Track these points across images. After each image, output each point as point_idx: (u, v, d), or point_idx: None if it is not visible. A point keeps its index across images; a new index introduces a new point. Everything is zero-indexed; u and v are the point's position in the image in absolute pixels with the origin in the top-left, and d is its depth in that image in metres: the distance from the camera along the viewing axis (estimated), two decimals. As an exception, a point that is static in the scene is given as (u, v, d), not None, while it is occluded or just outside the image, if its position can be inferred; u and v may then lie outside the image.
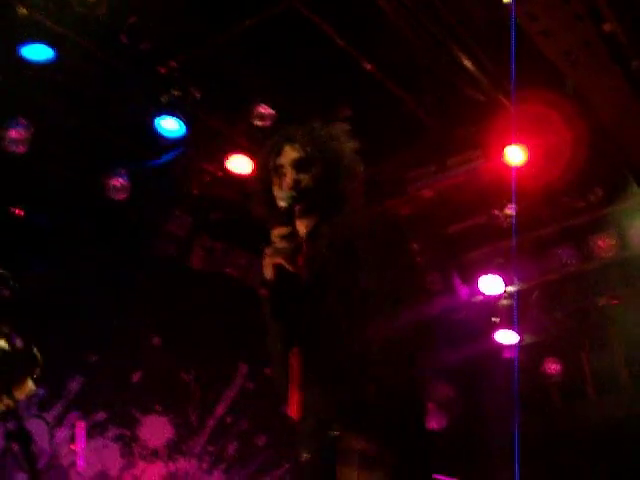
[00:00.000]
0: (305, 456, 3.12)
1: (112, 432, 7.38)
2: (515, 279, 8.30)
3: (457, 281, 8.52)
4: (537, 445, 8.33)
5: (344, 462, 2.99)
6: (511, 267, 8.21)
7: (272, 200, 3.30)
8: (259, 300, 3.20)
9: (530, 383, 8.51)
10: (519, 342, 8.36)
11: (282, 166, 3.33)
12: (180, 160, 7.09)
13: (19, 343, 4.16)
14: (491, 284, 8.24)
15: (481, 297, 8.45)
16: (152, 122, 6.65)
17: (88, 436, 6.99)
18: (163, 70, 6.44)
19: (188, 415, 7.92)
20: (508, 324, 8.34)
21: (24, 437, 3.76)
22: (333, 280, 3.10)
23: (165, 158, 7.05)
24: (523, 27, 4.71)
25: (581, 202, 7.71)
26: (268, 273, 3.13)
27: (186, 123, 6.65)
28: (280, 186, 3.29)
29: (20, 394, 4.06)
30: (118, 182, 6.89)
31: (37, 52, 5.93)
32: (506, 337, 8.44)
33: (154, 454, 7.63)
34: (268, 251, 3.13)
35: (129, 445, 7.49)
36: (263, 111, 6.69)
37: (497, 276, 8.21)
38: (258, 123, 6.69)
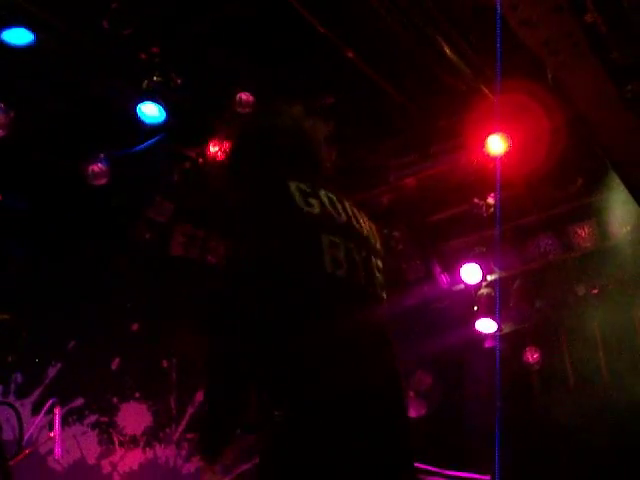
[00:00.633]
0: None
1: (90, 419, 7.38)
2: (496, 268, 8.33)
3: (438, 270, 8.53)
4: (517, 433, 8.36)
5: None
6: (492, 256, 8.23)
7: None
8: None
9: (510, 371, 8.53)
10: (499, 331, 8.38)
11: None
12: (161, 146, 7.05)
13: None
14: (472, 273, 8.26)
15: (462, 286, 8.47)
16: (133, 108, 6.61)
17: (66, 423, 6.97)
18: (144, 56, 6.40)
19: (167, 402, 7.91)
20: (488, 313, 8.36)
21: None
22: None
23: (146, 144, 7.01)
24: (504, 16, 4.70)
25: (561, 192, 7.74)
26: None
27: (167, 109, 6.61)
28: None
29: None
30: (97, 167, 6.85)
31: (17, 36, 5.87)
32: (486, 326, 8.46)
33: (133, 441, 7.62)
34: None
35: (107, 432, 7.48)
36: (244, 98, 6.66)
37: (478, 265, 8.23)
38: (239, 110, 6.66)
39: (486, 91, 6.48)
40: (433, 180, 7.74)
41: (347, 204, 3.31)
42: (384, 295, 3.29)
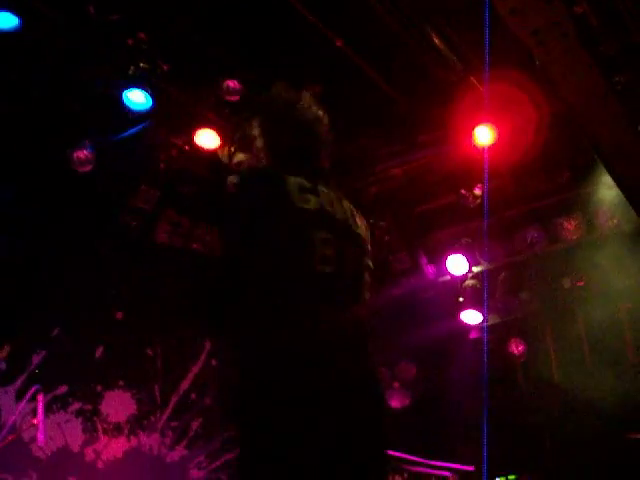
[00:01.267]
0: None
1: (74, 406, 7.35)
2: (482, 260, 8.33)
3: (424, 260, 8.53)
4: (501, 424, 8.38)
5: None
6: (478, 247, 8.23)
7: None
8: None
9: (495, 363, 8.55)
10: (484, 322, 8.39)
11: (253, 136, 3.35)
12: (147, 133, 7.01)
13: None
14: (458, 264, 8.26)
15: (448, 277, 8.47)
16: (119, 94, 6.58)
17: (50, 410, 6.95)
18: (131, 42, 6.36)
19: (152, 390, 7.89)
20: (474, 304, 8.36)
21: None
22: None
23: (132, 131, 6.97)
24: (493, 5, 4.69)
25: (549, 184, 7.75)
26: None
27: (153, 96, 6.58)
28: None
29: None
30: (83, 154, 6.81)
31: (2, 21, 5.83)
32: (471, 317, 8.47)
33: (116, 429, 7.60)
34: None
35: (91, 420, 7.45)
36: (232, 86, 6.63)
37: (464, 256, 8.23)
38: (226, 97, 6.64)
39: (474, 82, 6.48)
40: (420, 171, 7.74)
41: (346, 203, 3.34)
42: (367, 296, 3.32)
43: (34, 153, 6.88)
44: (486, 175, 6.72)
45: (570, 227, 7.98)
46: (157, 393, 7.91)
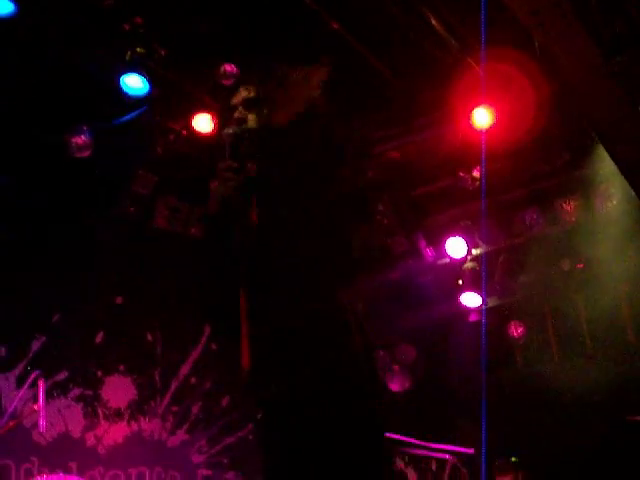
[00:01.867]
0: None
1: (74, 392, 7.37)
2: (481, 242, 8.32)
3: (423, 243, 8.51)
4: (501, 406, 8.39)
5: None
6: (477, 230, 8.22)
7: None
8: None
9: (494, 345, 8.55)
10: (484, 305, 8.38)
11: (235, 106, 3.31)
12: (144, 118, 7.00)
13: None
14: (457, 247, 8.25)
15: (447, 260, 8.46)
16: (116, 79, 6.56)
17: (50, 396, 6.95)
18: (127, 27, 6.34)
19: (152, 375, 7.89)
20: (473, 287, 8.36)
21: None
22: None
23: (129, 116, 6.96)
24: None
25: (547, 166, 7.72)
26: (212, 206, 3.07)
27: (150, 81, 6.56)
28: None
29: None
30: (81, 140, 6.81)
31: (-3, 6, 5.82)
32: (471, 300, 8.46)
33: (117, 414, 7.61)
34: (213, 184, 3.07)
35: (92, 405, 7.47)
36: (229, 70, 6.60)
37: (463, 239, 8.22)
38: (223, 82, 6.61)
39: (472, 63, 6.45)
40: (418, 153, 7.71)
41: None
42: None
43: (32, 139, 6.86)
44: (483, 157, 6.70)
45: (569, 209, 7.95)
46: (157, 378, 7.92)
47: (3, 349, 7.07)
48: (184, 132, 7.12)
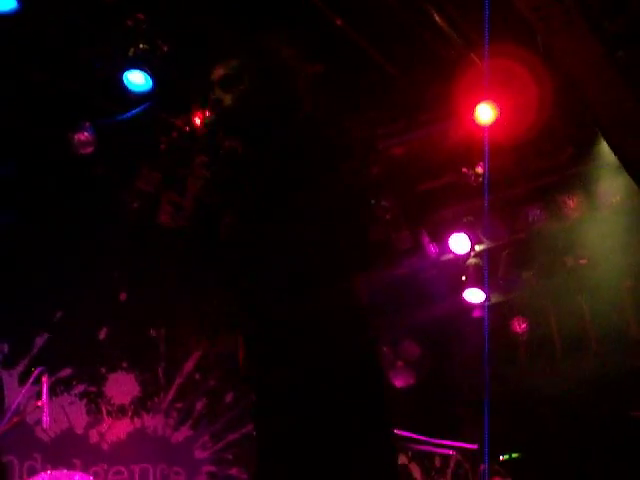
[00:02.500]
0: None
1: (78, 388, 7.38)
2: (484, 238, 8.32)
3: (426, 239, 8.51)
4: (504, 402, 8.39)
5: None
6: (480, 226, 8.21)
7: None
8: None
9: (497, 342, 8.54)
10: (487, 301, 8.37)
11: (210, 87, 3.11)
12: (147, 115, 6.99)
13: None
14: (460, 243, 8.25)
15: (450, 256, 8.46)
16: (119, 76, 6.55)
17: (54, 393, 6.96)
18: (130, 23, 6.33)
19: (155, 372, 7.90)
20: (476, 283, 8.35)
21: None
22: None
23: (132, 112, 6.95)
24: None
25: (550, 161, 7.71)
26: (187, 205, 2.94)
27: (153, 77, 6.55)
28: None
29: None
30: (83, 136, 6.80)
31: (0, 2, 5.80)
32: (474, 296, 8.46)
33: (121, 411, 7.62)
34: (189, 180, 2.93)
35: (95, 402, 7.48)
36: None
37: (466, 235, 8.21)
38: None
39: (475, 59, 6.44)
40: (421, 149, 7.70)
41: None
42: None
43: (35, 136, 6.87)
44: (486, 153, 6.69)
45: (572, 204, 7.94)
46: (161, 374, 7.92)
47: (6, 346, 7.09)
48: (187, 128, 7.11)
